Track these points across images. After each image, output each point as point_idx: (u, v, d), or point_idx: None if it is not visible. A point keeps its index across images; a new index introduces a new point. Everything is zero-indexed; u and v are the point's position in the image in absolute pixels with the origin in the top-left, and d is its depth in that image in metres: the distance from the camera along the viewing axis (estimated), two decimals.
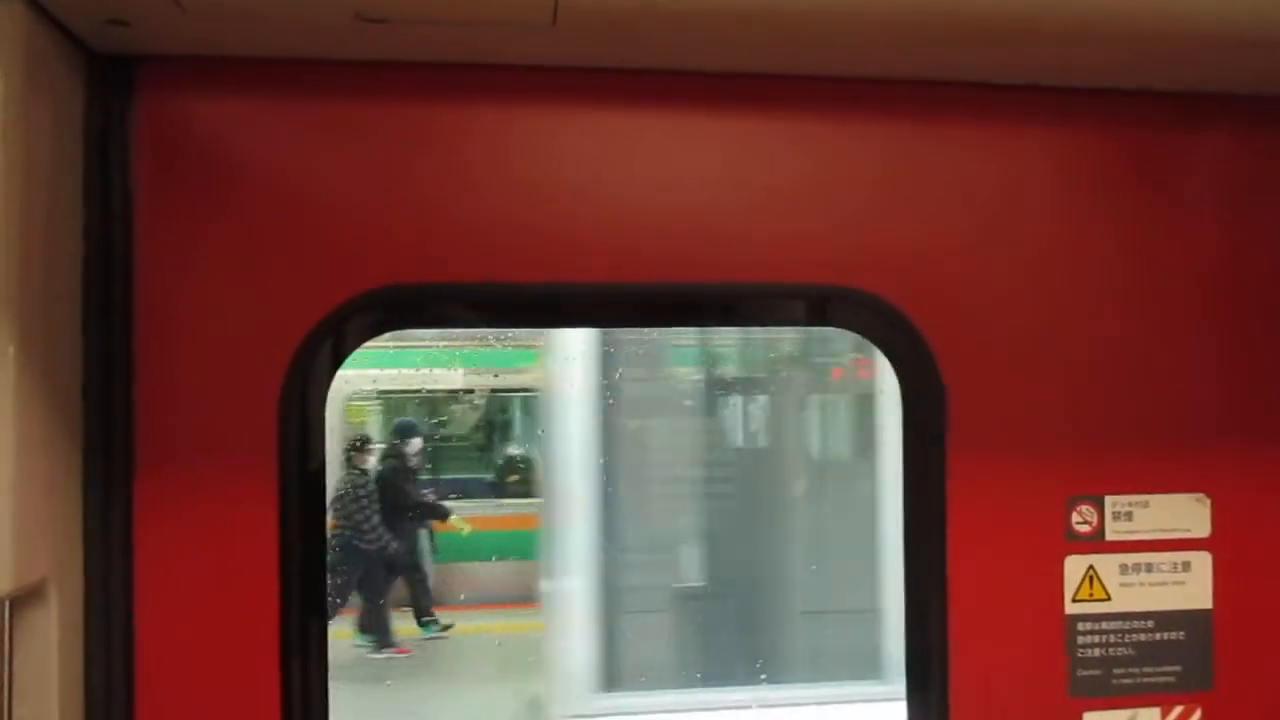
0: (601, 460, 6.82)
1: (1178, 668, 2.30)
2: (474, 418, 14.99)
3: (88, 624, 1.91)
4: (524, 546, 11.69)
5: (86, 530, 1.91)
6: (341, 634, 10.63)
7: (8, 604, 1.71)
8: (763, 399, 8.39)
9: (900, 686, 2.27)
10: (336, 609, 10.43)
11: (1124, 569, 2.28)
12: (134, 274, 1.97)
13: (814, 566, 7.53)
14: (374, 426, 13.49)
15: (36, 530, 1.73)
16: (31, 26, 1.68)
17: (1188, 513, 2.31)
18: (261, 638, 2.00)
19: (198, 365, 2.00)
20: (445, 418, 14.48)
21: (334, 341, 2.06)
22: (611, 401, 7.00)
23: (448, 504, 12.51)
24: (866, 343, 2.39)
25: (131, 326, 1.97)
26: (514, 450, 14.71)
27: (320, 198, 2.04)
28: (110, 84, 1.94)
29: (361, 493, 11.04)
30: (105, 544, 1.93)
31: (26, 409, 1.68)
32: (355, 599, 11.32)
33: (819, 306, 2.34)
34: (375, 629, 11.37)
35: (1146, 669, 2.29)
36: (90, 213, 1.92)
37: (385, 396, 13.81)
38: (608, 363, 7.00)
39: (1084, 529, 2.27)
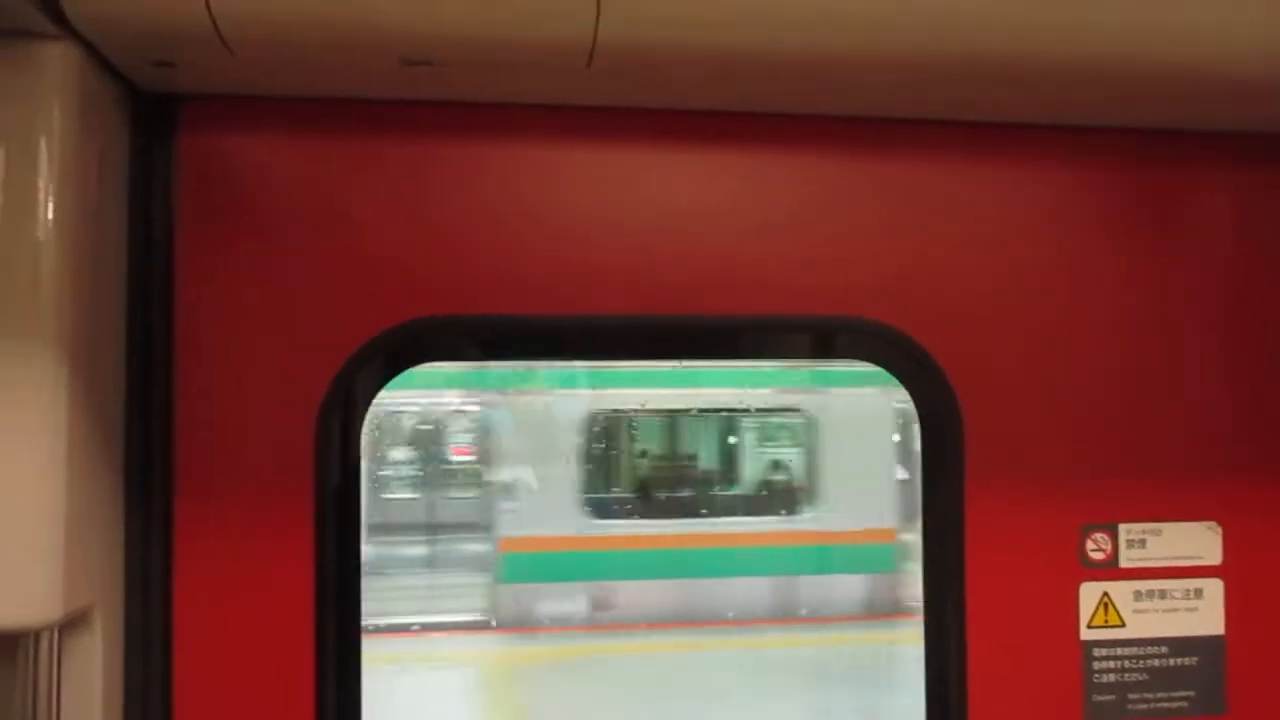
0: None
1: (1191, 693, 2.34)
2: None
3: (129, 650, 1.95)
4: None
5: (128, 557, 1.95)
6: None
7: (56, 631, 1.75)
8: None
9: None
10: None
11: (1138, 596, 2.33)
12: (175, 305, 2.02)
13: None
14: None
15: (83, 558, 1.77)
16: (84, 67, 1.74)
17: (1199, 540, 2.36)
18: (298, 661, 2.03)
19: (236, 394, 2.05)
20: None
21: (370, 371, 2.11)
22: None
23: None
24: None
25: (172, 357, 2.02)
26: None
27: (357, 232, 2.09)
28: (155, 121, 2.00)
29: None
30: (146, 570, 1.97)
31: (75, 439, 1.73)
32: None
33: (836, 338, 2.39)
34: None
35: (1160, 694, 2.33)
36: (134, 245, 1.97)
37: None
38: None
39: (1098, 556, 2.31)
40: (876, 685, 11.05)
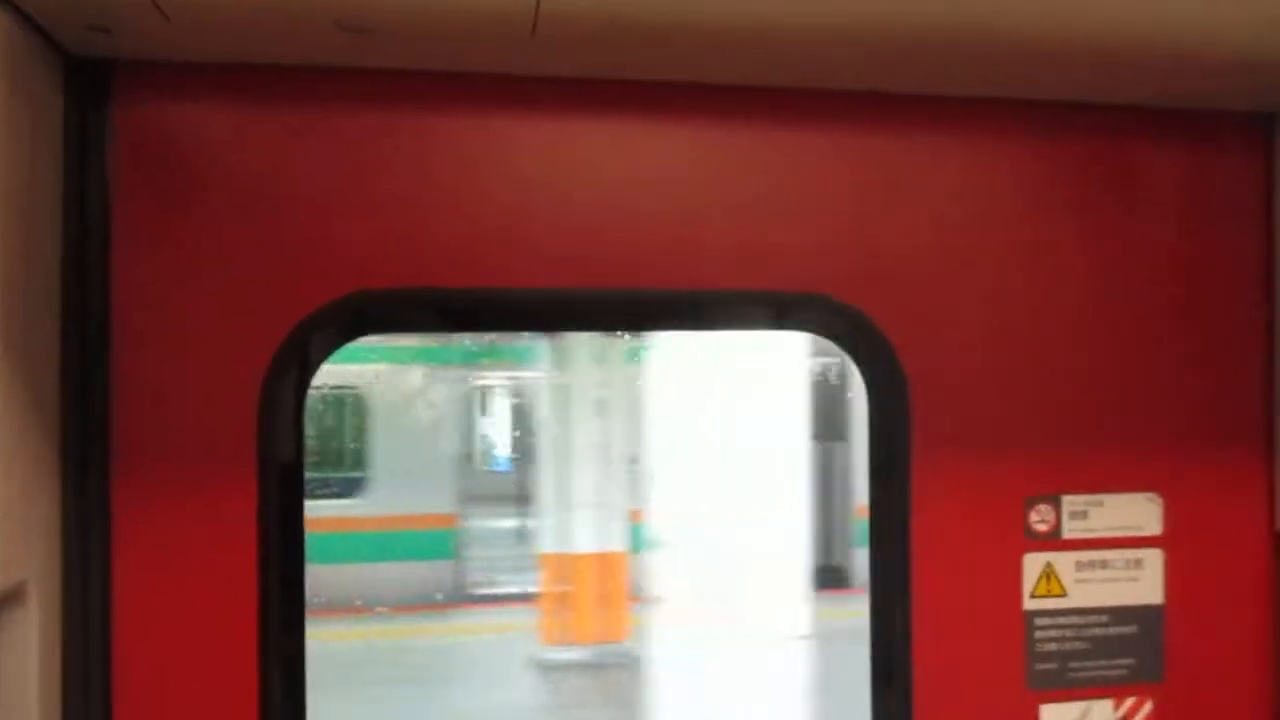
0: None
1: (1130, 661, 2.38)
2: None
3: (66, 626, 1.92)
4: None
5: (65, 532, 1.92)
6: None
7: None
8: None
9: None
10: None
11: (1080, 566, 2.36)
12: (111, 277, 1.98)
13: None
14: None
15: (16, 532, 1.74)
16: (11, 31, 1.69)
17: (1140, 512, 2.39)
18: (240, 638, 2.02)
19: (175, 367, 2.01)
20: None
21: (311, 344, 2.08)
22: None
23: None
24: None
25: (108, 330, 1.98)
26: None
27: (297, 202, 2.06)
28: (88, 87, 1.95)
29: None
30: (83, 545, 1.94)
31: (6, 412, 1.69)
32: None
33: (786, 311, 2.40)
34: None
35: (1101, 662, 2.37)
36: (68, 215, 1.93)
37: None
38: None
39: (1042, 527, 2.34)
40: (404, 684, 10.74)
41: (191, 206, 2.02)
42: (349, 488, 13.06)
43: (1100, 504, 2.37)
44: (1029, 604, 2.34)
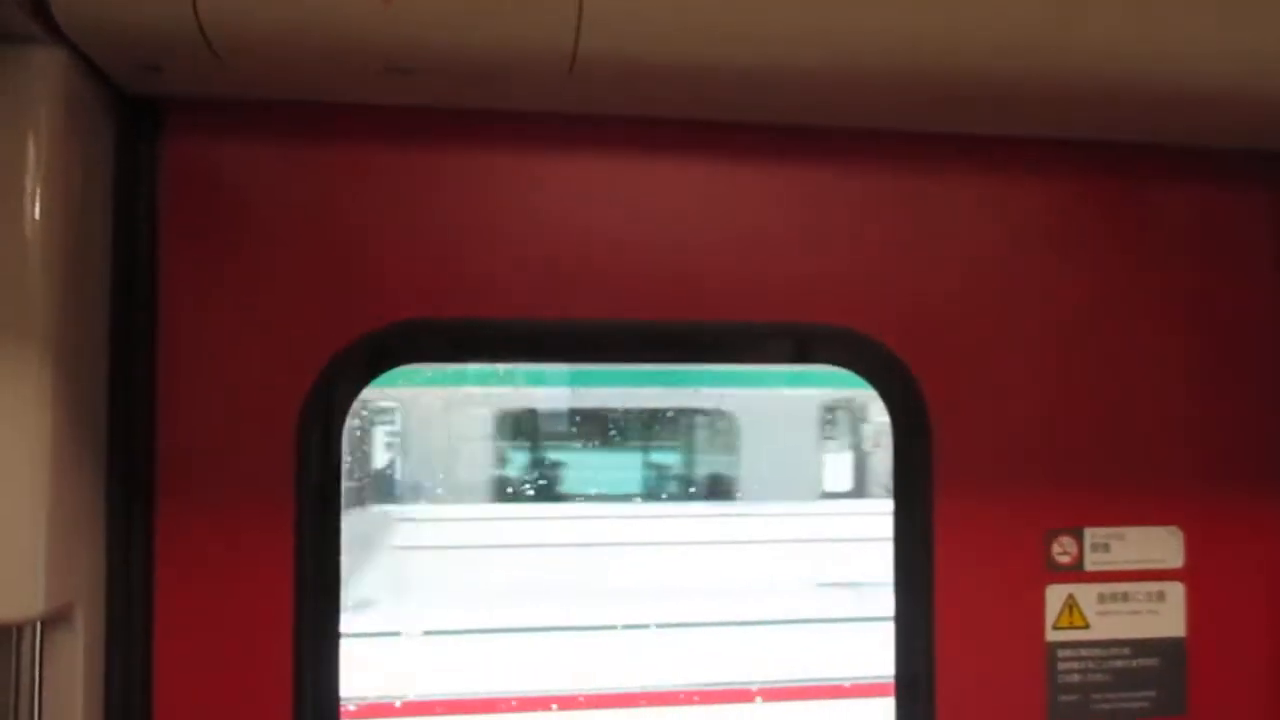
0: None
1: (1152, 693, 2.40)
2: None
3: (109, 648, 1.96)
4: None
5: (110, 555, 1.97)
6: None
7: (39, 627, 1.77)
8: None
9: None
10: None
11: (1102, 598, 2.38)
12: (158, 306, 2.04)
13: None
14: None
15: (65, 555, 1.79)
16: (70, 71, 1.76)
17: (1162, 545, 2.42)
18: (277, 660, 2.06)
19: (219, 395, 2.07)
20: None
21: (351, 373, 2.14)
22: None
23: None
24: None
25: (155, 358, 2.04)
26: None
27: (339, 236, 2.12)
28: (141, 125, 2.02)
29: None
30: (128, 568, 1.99)
31: (57, 439, 1.75)
32: None
33: (812, 345, 2.44)
34: None
35: (1123, 694, 2.38)
36: (118, 247, 1.99)
37: None
38: None
39: (1064, 560, 2.37)
40: None
41: (238, 240, 2.08)
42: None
43: (1122, 537, 2.40)
44: (1051, 635, 2.36)
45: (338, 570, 2.14)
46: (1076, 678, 2.37)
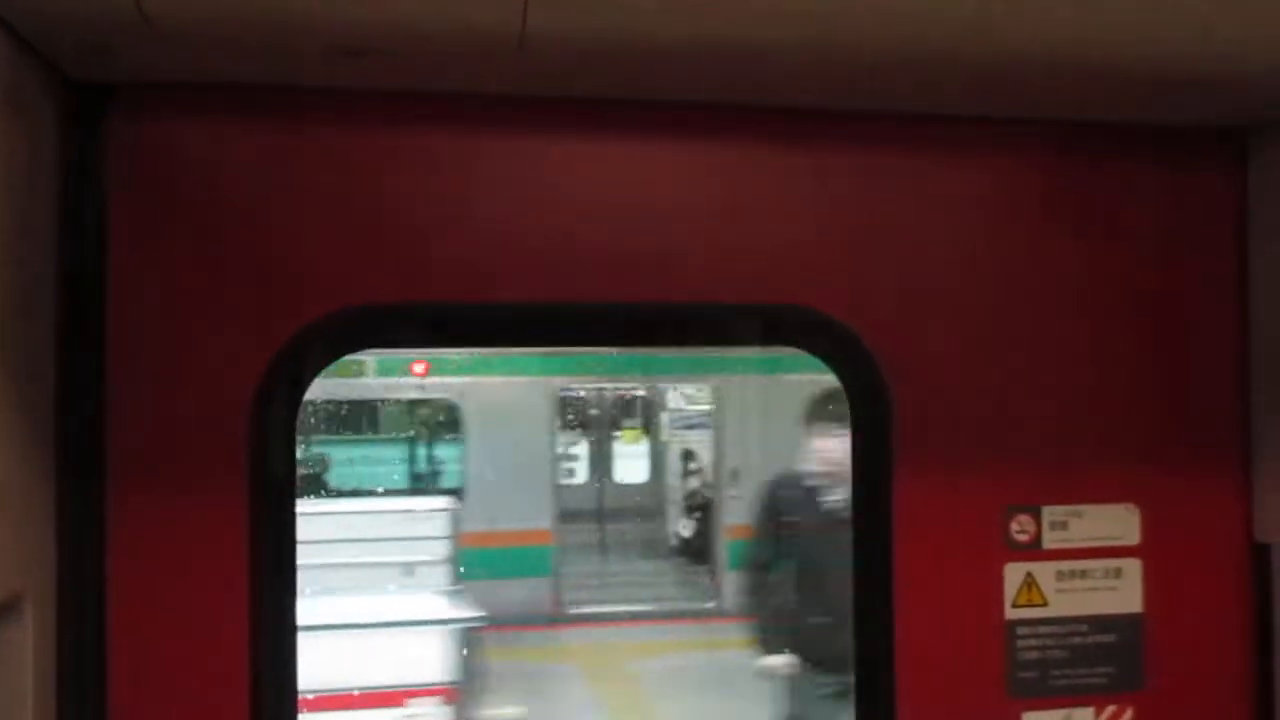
0: None
1: (1110, 669, 2.42)
2: None
3: (61, 637, 1.94)
4: None
5: (60, 544, 1.94)
6: None
7: None
8: None
9: None
10: None
11: (1060, 575, 2.40)
12: (107, 291, 2.02)
13: None
14: None
15: (12, 543, 1.76)
16: (8, 53, 1.73)
17: (1119, 522, 2.44)
18: (233, 648, 2.04)
19: (169, 380, 2.05)
20: None
21: (303, 358, 2.12)
22: None
23: None
24: None
25: (104, 343, 2.01)
26: None
27: (290, 219, 2.10)
28: (85, 109, 1.99)
29: None
30: (78, 557, 1.97)
31: (2, 426, 1.72)
32: None
33: (769, 325, 2.44)
34: None
35: (1081, 670, 2.41)
36: (65, 232, 1.96)
37: None
38: None
39: (1023, 538, 2.38)
40: None
41: (186, 224, 2.06)
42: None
43: (1080, 515, 2.41)
44: (1010, 613, 2.37)
45: (294, 558, 2.12)
46: (1035, 655, 2.38)
